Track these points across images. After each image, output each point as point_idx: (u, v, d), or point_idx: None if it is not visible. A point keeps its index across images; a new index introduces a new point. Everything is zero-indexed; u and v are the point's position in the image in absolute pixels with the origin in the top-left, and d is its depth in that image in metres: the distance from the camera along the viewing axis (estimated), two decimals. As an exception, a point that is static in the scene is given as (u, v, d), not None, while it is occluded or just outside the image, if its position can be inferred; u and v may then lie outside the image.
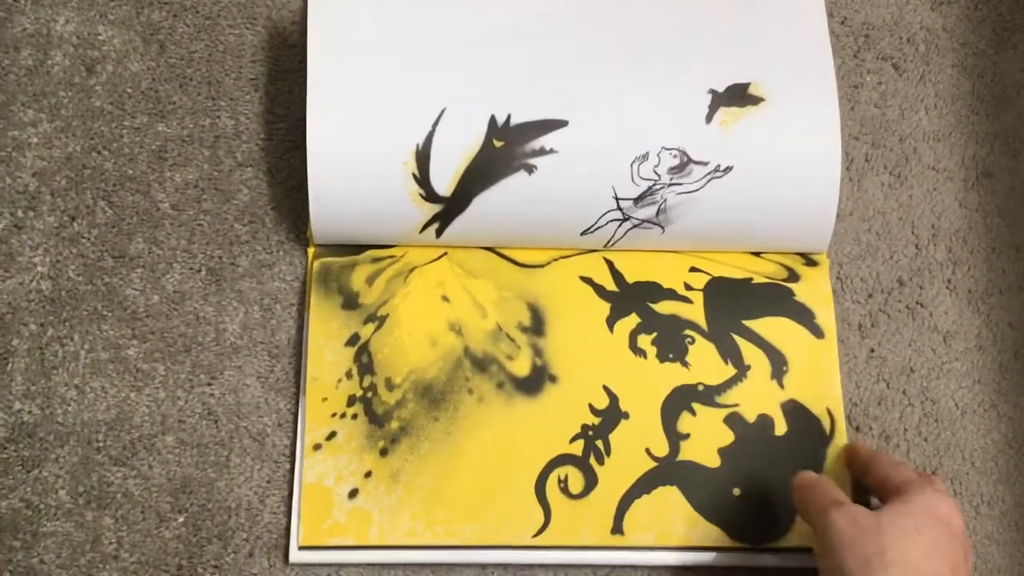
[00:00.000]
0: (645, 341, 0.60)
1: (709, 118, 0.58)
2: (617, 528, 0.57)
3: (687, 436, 0.59)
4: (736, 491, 0.58)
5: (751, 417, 0.59)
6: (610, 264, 0.62)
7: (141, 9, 0.64)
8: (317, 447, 0.57)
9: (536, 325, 0.60)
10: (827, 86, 0.59)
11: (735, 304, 0.61)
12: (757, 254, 0.62)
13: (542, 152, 0.57)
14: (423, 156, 0.57)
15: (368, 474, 0.57)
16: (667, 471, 0.58)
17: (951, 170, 0.65)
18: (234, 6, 0.65)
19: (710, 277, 0.62)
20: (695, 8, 0.61)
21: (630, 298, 0.61)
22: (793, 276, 0.62)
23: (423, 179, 0.57)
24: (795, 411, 0.59)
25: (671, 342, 0.60)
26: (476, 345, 0.59)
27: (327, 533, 0.56)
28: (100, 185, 0.61)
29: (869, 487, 0.56)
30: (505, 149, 0.57)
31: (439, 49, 0.59)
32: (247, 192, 0.62)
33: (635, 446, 0.58)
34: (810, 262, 0.62)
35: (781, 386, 0.60)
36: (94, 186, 0.61)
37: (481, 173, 0.58)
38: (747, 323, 0.61)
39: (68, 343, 0.59)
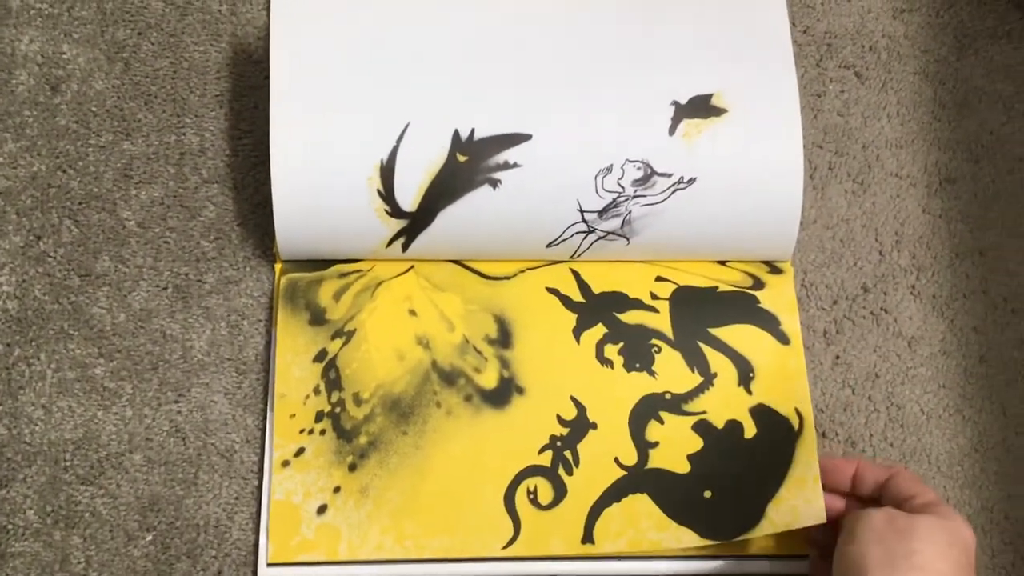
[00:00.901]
0: (612, 351, 0.60)
1: (672, 130, 0.59)
2: (587, 537, 0.57)
3: (656, 444, 0.59)
4: (707, 493, 0.58)
5: (719, 423, 0.59)
6: (576, 275, 0.62)
7: (105, 27, 0.64)
8: (285, 464, 0.57)
9: (503, 337, 0.60)
10: (789, 96, 0.60)
11: (701, 313, 0.61)
12: (722, 263, 0.63)
13: (506, 166, 0.58)
14: (387, 172, 0.57)
15: (337, 489, 0.57)
16: (636, 479, 0.58)
17: (914, 177, 0.66)
18: (198, 23, 0.65)
19: (676, 286, 0.62)
20: (657, 20, 0.61)
21: (596, 308, 0.61)
22: (758, 284, 0.62)
23: (388, 195, 0.58)
24: (764, 414, 0.60)
25: (638, 352, 0.60)
26: (443, 359, 0.60)
27: (296, 550, 0.56)
28: (66, 204, 0.61)
29: (886, 498, 0.55)
30: (469, 163, 0.58)
31: (402, 64, 0.59)
32: (213, 209, 0.62)
33: (604, 456, 0.59)
34: (775, 270, 0.63)
35: (749, 392, 0.60)
36: (60, 205, 0.61)
37: (446, 188, 0.58)
38: (713, 331, 0.61)
39: (35, 362, 0.59)
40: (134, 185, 0.62)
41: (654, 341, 0.61)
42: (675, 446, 0.59)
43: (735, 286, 0.62)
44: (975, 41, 0.68)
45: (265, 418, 0.59)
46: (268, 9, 0.65)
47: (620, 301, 0.62)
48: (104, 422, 0.58)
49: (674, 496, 0.58)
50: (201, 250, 0.61)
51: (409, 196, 0.58)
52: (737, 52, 0.61)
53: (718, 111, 0.59)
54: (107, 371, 0.59)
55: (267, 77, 0.61)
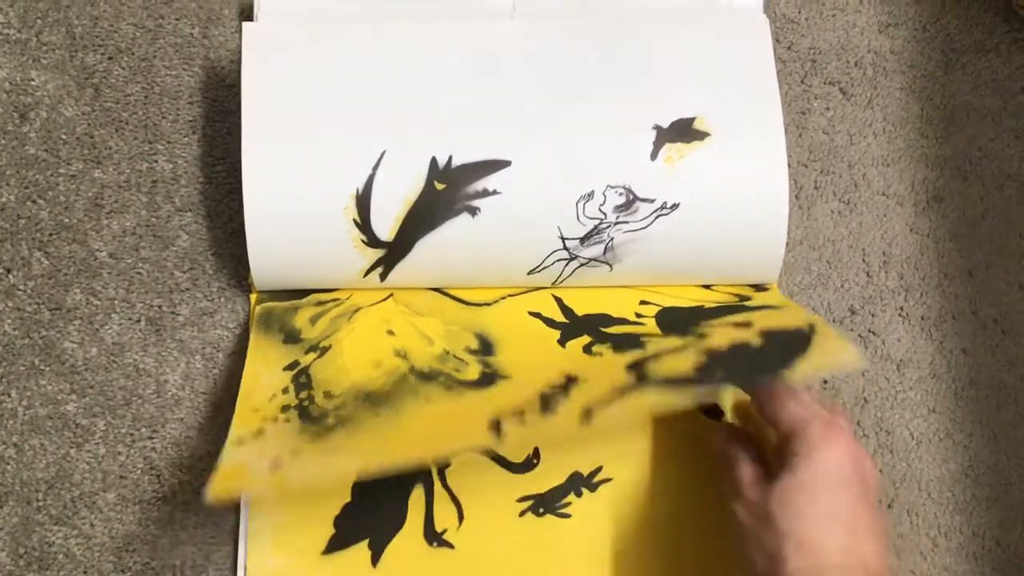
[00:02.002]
0: (600, 348, 0.58)
1: (654, 155, 0.57)
2: (586, 421, 0.50)
3: (655, 368, 0.53)
4: (720, 372, 0.52)
5: (723, 347, 0.54)
6: (559, 300, 0.61)
7: (75, 52, 0.63)
8: (241, 442, 0.51)
9: (484, 348, 0.58)
10: (773, 118, 0.59)
11: (689, 319, 0.59)
12: (707, 286, 0.62)
13: (485, 194, 0.56)
14: (363, 201, 0.56)
15: (295, 452, 0.50)
16: (638, 386, 0.52)
17: (901, 195, 0.64)
18: (170, 47, 0.63)
19: (660, 307, 0.61)
20: (638, 43, 0.60)
21: (580, 325, 0.60)
22: (744, 300, 0.61)
23: (364, 224, 0.56)
24: (770, 333, 0.54)
25: (628, 343, 0.57)
26: (422, 364, 0.57)
27: (235, 491, 0.49)
28: (36, 235, 0.60)
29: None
30: (447, 191, 0.56)
31: (377, 91, 0.57)
32: (187, 238, 0.61)
33: (599, 385, 0.52)
34: (760, 289, 0.61)
35: (749, 327, 0.55)
36: (29, 236, 0.60)
37: (423, 217, 0.57)
38: (703, 324, 0.58)
39: (5, 400, 0.58)
40: (105, 215, 0.61)
41: (643, 339, 0.58)
42: (678, 363, 0.53)
43: (721, 304, 0.61)
44: (962, 55, 0.67)
45: (242, 453, 0.57)
46: (240, 35, 0.63)
47: (604, 320, 0.60)
48: (77, 460, 0.57)
49: (683, 384, 0.51)
50: (175, 281, 0.60)
51: (386, 225, 0.57)
52: (720, 75, 0.59)
53: (700, 135, 0.58)
54: (79, 407, 0.58)
55: (240, 101, 0.60)
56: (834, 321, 0.62)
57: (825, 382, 0.61)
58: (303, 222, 0.56)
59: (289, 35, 0.58)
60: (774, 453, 0.51)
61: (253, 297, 0.60)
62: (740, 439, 0.54)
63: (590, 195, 0.57)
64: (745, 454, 0.52)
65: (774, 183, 0.58)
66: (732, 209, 0.58)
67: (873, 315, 0.62)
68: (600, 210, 0.57)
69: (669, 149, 0.57)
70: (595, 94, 0.58)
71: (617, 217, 0.57)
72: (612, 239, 0.58)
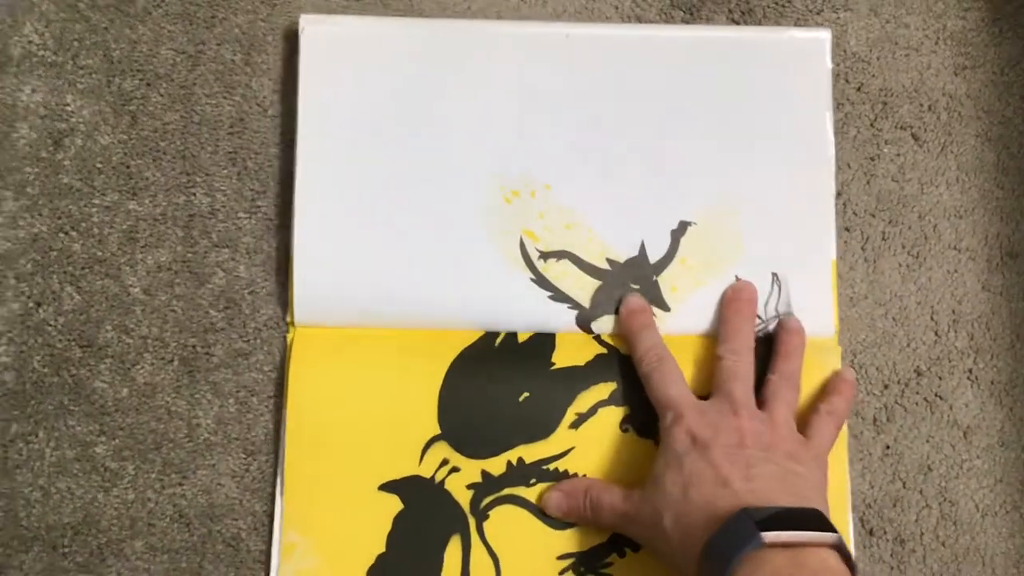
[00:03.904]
0: None
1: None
2: None
3: None
4: None
5: None
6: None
7: (112, 78, 0.60)
8: None
9: None
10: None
11: None
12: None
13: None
14: None
15: None
16: None
17: (974, 250, 0.61)
18: (210, 74, 0.61)
19: None
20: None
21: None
22: None
23: None
24: None
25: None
26: None
27: None
28: (68, 269, 0.58)
29: None
30: None
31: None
32: (223, 275, 0.58)
33: None
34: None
35: None
36: (61, 270, 0.58)
37: None
38: None
39: (33, 440, 0.56)
40: (140, 249, 0.58)
41: None
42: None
43: None
44: (1043, 101, 0.63)
45: (274, 503, 0.55)
46: (296, 91, 0.61)
47: None
48: (105, 505, 0.55)
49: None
50: (210, 320, 0.58)
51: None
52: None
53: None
54: (108, 450, 0.56)
55: (283, 132, 0.59)
56: (898, 383, 0.59)
57: (887, 447, 0.58)
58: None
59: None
60: None
61: (289, 336, 0.58)
62: (576, 487, 0.55)
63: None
64: (594, 493, 0.54)
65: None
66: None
67: (940, 378, 0.59)
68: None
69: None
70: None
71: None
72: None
